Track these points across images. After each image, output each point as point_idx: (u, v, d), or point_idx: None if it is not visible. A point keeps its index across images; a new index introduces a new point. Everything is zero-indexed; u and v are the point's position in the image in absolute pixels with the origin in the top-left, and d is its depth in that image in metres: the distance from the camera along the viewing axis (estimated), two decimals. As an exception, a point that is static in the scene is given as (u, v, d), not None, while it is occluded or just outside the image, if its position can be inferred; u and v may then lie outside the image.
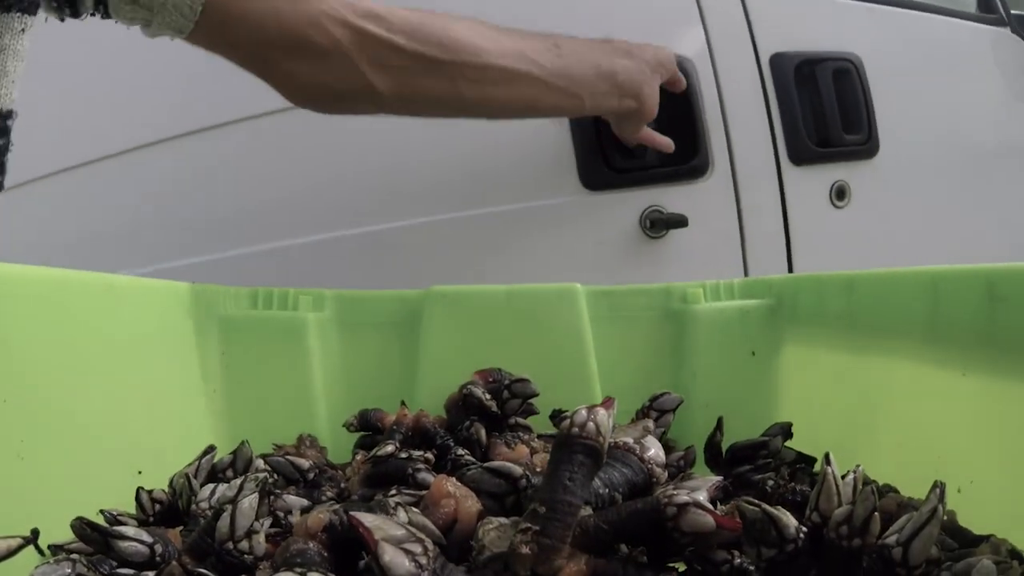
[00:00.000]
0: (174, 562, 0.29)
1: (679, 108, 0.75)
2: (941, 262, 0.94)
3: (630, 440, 0.33)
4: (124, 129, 0.73)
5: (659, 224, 0.75)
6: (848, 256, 0.82)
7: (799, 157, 0.79)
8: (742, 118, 0.78)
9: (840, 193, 0.82)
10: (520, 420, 0.46)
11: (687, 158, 0.76)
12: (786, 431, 0.43)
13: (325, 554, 0.28)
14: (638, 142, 0.71)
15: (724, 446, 0.44)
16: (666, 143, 0.72)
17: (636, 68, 0.61)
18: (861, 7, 0.86)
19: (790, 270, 0.80)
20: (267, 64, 0.50)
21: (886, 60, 0.84)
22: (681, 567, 0.29)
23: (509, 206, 0.74)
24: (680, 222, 0.74)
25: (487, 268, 0.74)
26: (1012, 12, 0.97)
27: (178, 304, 0.46)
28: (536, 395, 0.46)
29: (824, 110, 0.80)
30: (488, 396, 0.45)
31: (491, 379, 0.47)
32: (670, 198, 0.75)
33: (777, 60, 0.79)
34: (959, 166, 0.90)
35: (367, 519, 0.25)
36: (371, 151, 0.75)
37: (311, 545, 0.28)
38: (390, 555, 0.24)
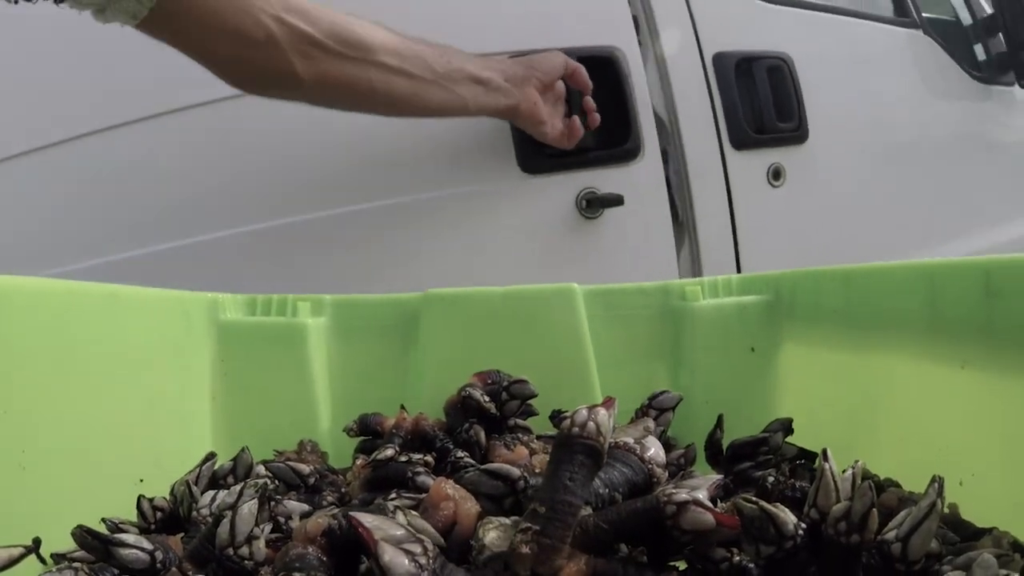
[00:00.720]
0: (175, 569, 0.29)
1: (612, 96, 0.81)
2: (866, 234, 1.00)
3: (630, 440, 0.33)
4: (32, 127, 0.72)
5: (595, 203, 0.81)
6: (785, 229, 0.93)
7: (739, 142, 0.90)
8: (690, 109, 0.88)
9: (776, 174, 0.93)
10: (519, 421, 0.46)
11: (620, 142, 0.82)
12: (786, 427, 0.43)
13: (324, 559, 0.28)
14: (566, 143, 0.77)
15: (725, 443, 0.43)
16: (588, 125, 0.78)
17: (509, 74, 0.72)
18: (791, 12, 0.98)
19: (735, 242, 0.89)
20: (208, 51, 0.58)
21: (813, 58, 0.96)
22: (682, 566, 0.29)
23: (452, 190, 0.79)
24: (616, 201, 0.81)
25: (435, 250, 0.78)
26: (924, 15, 1.10)
27: (177, 312, 0.46)
28: (535, 396, 0.46)
29: (760, 101, 0.91)
30: (487, 398, 0.45)
31: (490, 381, 0.46)
32: (603, 180, 0.82)
33: (719, 59, 0.90)
34: (880, 150, 1.03)
35: (367, 519, 0.25)
36: (305, 141, 0.77)
37: (310, 550, 0.28)
38: (390, 555, 0.24)
